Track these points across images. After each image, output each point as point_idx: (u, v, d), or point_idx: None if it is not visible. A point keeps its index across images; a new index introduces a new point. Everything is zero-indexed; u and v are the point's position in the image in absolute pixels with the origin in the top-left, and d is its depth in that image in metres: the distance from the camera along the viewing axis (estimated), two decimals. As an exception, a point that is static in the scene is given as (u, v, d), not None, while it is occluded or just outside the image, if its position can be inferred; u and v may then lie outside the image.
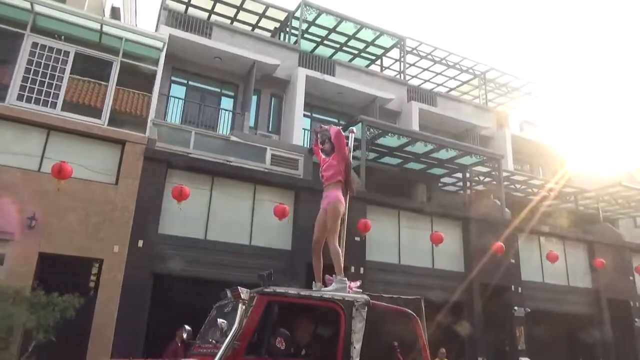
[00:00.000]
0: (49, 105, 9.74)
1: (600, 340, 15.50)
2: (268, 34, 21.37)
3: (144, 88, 11.43)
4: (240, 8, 20.10)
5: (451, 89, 25.36)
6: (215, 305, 5.06)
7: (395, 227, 13.09)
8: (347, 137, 5.71)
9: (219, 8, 20.20)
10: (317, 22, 20.41)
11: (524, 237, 14.99)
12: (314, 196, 11.65)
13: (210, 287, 7.41)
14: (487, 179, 17.50)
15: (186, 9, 20.06)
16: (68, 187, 9.21)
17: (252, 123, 17.46)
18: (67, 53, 10.15)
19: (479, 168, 16.83)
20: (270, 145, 15.74)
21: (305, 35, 20.80)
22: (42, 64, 9.85)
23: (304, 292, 4.58)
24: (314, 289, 5.02)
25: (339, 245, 5.17)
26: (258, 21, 21.10)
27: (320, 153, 5.60)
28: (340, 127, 5.52)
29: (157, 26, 20.19)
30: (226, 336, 3.96)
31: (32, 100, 9.63)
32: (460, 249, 13.81)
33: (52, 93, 9.80)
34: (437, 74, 24.31)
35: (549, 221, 16.87)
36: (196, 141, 14.61)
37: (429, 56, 22.76)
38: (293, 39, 20.30)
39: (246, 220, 11.33)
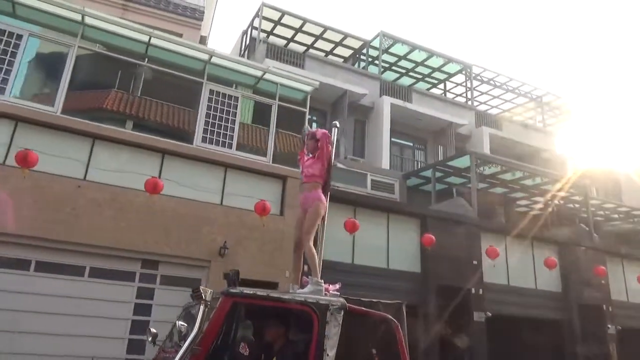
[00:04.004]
0: (226, 146, 10.97)
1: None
2: (340, 60, 22.65)
3: (286, 126, 12.73)
4: (319, 37, 21.38)
5: (504, 111, 26.55)
6: (183, 306, 4.84)
7: (502, 251, 14.22)
8: (331, 132, 5.62)
9: (299, 37, 21.49)
10: (389, 50, 21.75)
11: (610, 258, 16.13)
12: (438, 223, 12.96)
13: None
14: (560, 202, 18.63)
15: (267, 36, 21.32)
16: (247, 218, 10.49)
17: (341, 148, 18.71)
18: (236, 98, 11.40)
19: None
20: (364, 169, 17.00)
21: (375, 62, 22.06)
22: (218, 108, 11.10)
23: (274, 294, 4.29)
24: (290, 291, 4.77)
25: (318, 248, 5.07)
26: (333, 49, 22.36)
27: (304, 150, 5.51)
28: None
29: (242, 53, 21.58)
30: (185, 340, 3.70)
31: (213, 142, 10.86)
32: (557, 271, 14.90)
33: (227, 135, 11.03)
34: (494, 97, 25.56)
35: (628, 243, 17.97)
36: (306, 169, 15.88)
37: (492, 81, 24.02)
38: (364, 64, 21.64)
39: (383, 245, 12.53)
